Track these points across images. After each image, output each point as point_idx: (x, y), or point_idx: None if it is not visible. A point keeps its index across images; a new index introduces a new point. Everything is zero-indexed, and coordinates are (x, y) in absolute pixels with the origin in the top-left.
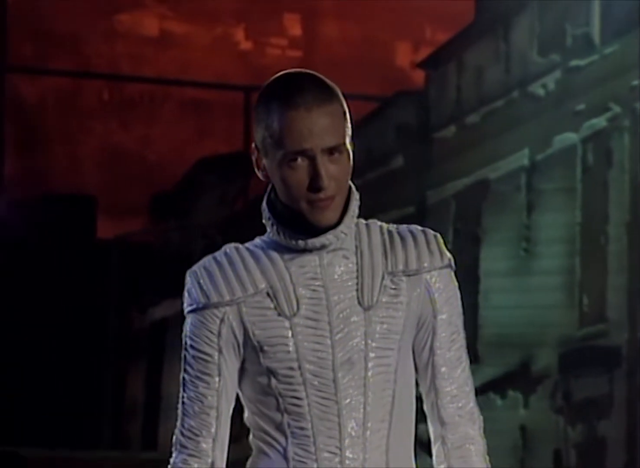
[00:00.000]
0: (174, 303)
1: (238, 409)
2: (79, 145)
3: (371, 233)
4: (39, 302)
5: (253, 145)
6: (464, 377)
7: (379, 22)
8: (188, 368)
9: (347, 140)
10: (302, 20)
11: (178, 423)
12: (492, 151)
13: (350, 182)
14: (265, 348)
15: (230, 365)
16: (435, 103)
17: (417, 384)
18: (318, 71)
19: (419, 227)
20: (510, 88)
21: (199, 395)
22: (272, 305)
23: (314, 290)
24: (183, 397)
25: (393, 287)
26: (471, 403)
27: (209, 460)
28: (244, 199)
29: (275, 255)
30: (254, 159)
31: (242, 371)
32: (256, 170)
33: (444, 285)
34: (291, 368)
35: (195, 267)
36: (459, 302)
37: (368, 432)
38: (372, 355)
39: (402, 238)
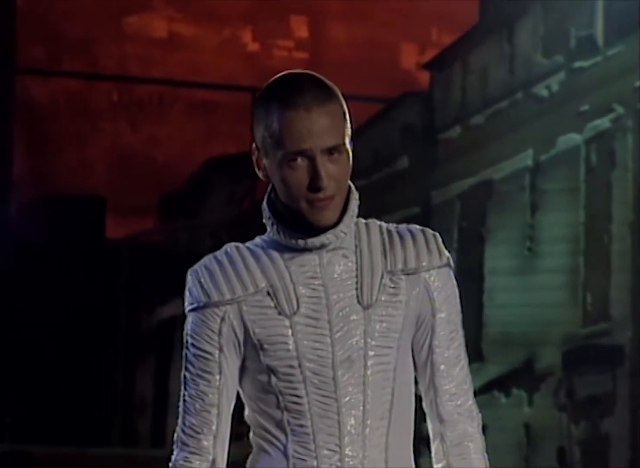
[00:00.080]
0: (183, 302)
1: (238, 407)
2: (88, 146)
3: (370, 232)
4: (48, 301)
5: (253, 145)
6: (462, 375)
7: (385, 24)
8: (189, 366)
9: (347, 140)
10: (309, 23)
11: (179, 421)
12: (496, 152)
13: (349, 182)
14: (266, 346)
15: (231, 363)
16: (440, 104)
17: (416, 382)
18: (324, 73)
19: (418, 227)
20: (514, 89)
21: (200, 393)
22: (272, 304)
23: (313, 289)
24: (184, 394)
25: (392, 285)
26: (470, 400)
27: (210, 458)
28: (252, 198)
29: (275, 254)
30: (254, 159)
31: (242, 369)
32: (256, 170)
33: (442, 284)
34: (291, 367)
35: (196, 266)
36: (458, 301)
37: (367, 430)
38: (371, 353)
39: (401, 238)
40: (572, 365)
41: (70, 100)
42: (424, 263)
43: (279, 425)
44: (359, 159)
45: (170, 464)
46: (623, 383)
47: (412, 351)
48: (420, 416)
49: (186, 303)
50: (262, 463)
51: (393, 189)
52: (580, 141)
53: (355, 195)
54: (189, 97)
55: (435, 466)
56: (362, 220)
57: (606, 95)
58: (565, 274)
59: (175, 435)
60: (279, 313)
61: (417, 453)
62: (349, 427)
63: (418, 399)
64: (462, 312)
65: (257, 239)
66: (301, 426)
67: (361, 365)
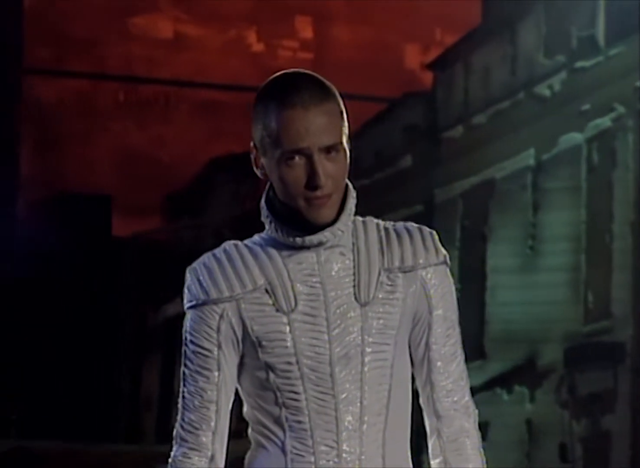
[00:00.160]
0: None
1: (239, 405)
2: (94, 145)
3: (368, 230)
4: (54, 299)
5: (252, 144)
6: (459, 372)
7: (389, 25)
8: (188, 363)
9: (344, 139)
10: (313, 23)
11: (178, 417)
12: (498, 151)
13: (347, 180)
14: (264, 343)
15: (230, 360)
16: (443, 104)
17: (413, 379)
18: (328, 73)
19: (415, 224)
20: (516, 89)
21: (199, 389)
22: (270, 301)
23: (311, 287)
24: (183, 391)
25: (389, 283)
26: (466, 397)
27: (209, 454)
28: (255, 197)
29: (273, 252)
30: (252, 157)
31: (241, 366)
32: (255, 168)
33: (439, 281)
34: (289, 363)
35: (194, 264)
36: (454, 298)
37: (365, 426)
38: (368, 350)
39: (398, 235)
40: (574, 362)
41: (77, 100)
42: (421, 261)
43: (277, 421)
44: (363, 158)
45: (169, 460)
46: (624, 380)
47: (409, 348)
48: (422, 413)
49: (185, 301)
50: (260, 459)
51: (396, 188)
52: (581, 140)
53: (352, 193)
54: (194, 97)
55: (432, 462)
56: (360, 218)
57: (607, 94)
58: (567, 272)
59: (175, 431)
60: (277, 311)
61: (419, 449)
62: (346, 423)
63: (416, 395)
64: (465, 309)
65: (256, 237)
66: (299, 422)
67: (358, 361)
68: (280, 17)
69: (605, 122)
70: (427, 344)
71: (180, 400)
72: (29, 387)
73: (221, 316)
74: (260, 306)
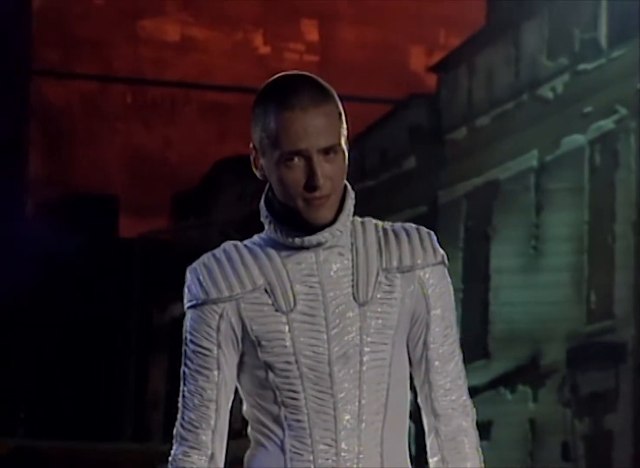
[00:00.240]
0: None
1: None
2: (102, 146)
3: (366, 231)
4: (62, 298)
5: (251, 145)
6: (457, 371)
7: (394, 28)
8: (188, 362)
9: (343, 141)
10: (319, 26)
11: (179, 416)
12: (502, 152)
13: (345, 181)
14: (263, 342)
15: (229, 359)
16: (447, 105)
17: (411, 378)
18: (334, 75)
19: (413, 225)
20: (519, 91)
21: (199, 388)
22: (269, 301)
23: (310, 287)
24: (183, 390)
25: (387, 283)
26: (464, 396)
27: (209, 452)
28: (261, 198)
29: (272, 252)
30: (252, 158)
31: (240, 365)
32: (254, 169)
33: (437, 281)
34: (288, 363)
35: (195, 264)
36: (452, 298)
37: (363, 425)
38: (367, 349)
39: (397, 236)
40: (576, 362)
41: (85, 102)
42: (419, 261)
43: (276, 420)
44: (368, 159)
45: (169, 458)
46: (626, 380)
47: (407, 347)
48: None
49: (185, 301)
50: (259, 457)
51: (401, 189)
52: (584, 142)
53: (351, 194)
54: (201, 99)
55: (430, 460)
56: (359, 219)
57: (609, 96)
58: (570, 272)
59: (175, 429)
60: (276, 310)
61: (423, 448)
62: (344, 422)
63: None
64: (469, 309)
65: (255, 237)
66: (298, 421)
67: (357, 361)
68: (286, 20)
69: (607, 124)
70: (425, 344)
71: (180, 399)
72: (37, 386)
73: (221, 316)
74: (259, 306)
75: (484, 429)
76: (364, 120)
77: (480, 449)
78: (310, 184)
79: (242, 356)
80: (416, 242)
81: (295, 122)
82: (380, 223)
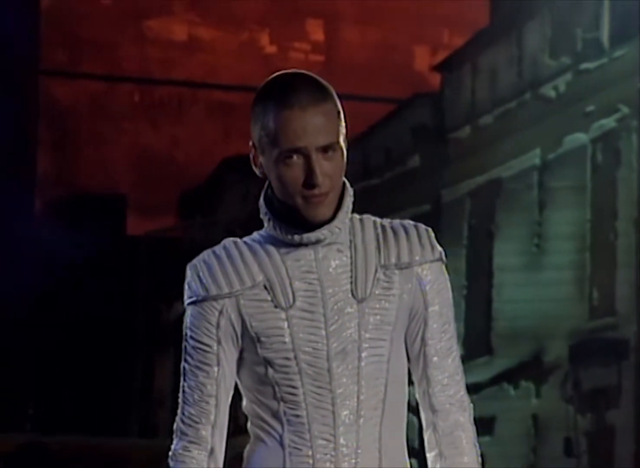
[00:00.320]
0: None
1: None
2: (110, 145)
3: (365, 228)
4: (70, 297)
5: (250, 143)
6: (454, 367)
7: (398, 27)
8: (188, 358)
9: (341, 139)
10: (324, 26)
11: (179, 411)
12: (505, 151)
13: (344, 179)
14: (263, 339)
15: (229, 355)
16: (451, 105)
17: (409, 373)
18: (339, 75)
19: (412, 222)
20: (522, 90)
21: (199, 384)
22: (269, 298)
23: (309, 283)
24: (183, 386)
25: (386, 279)
26: (461, 391)
27: (209, 447)
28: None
29: (272, 249)
30: (251, 156)
31: (240, 361)
32: (253, 167)
33: (434, 278)
34: (287, 358)
35: (195, 261)
36: (450, 294)
37: (361, 420)
38: (365, 345)
39: (395, 233)
40: (579, 358)
41: (93, 102)
42: (417, 258)
43: (276, 415)
44: (372, 158)
45: (170, 453)
46: (628, 376)
47: (406, 343)
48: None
49: (185, 297)
50: (259, 452)
51: (405, 187)
52: (586, 140)
53: (349, 191)
54: (208, 98)
55: (427, 455)
56: (357, 216)
57: (611, 95)
58: (572, 270)
59: (175, 424)
60: (276, 307)
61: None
62: (343, 417)
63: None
64: (472, 306)
65: (255, 234)
66: (297, 416)
67: (355, 357)
68: (292, 20)
69: (609, 122)
70: (423, 340)
71: (180, 394)
72: (45, 383)
73: (221, 312)
74: (259, 302)
75: (487, 424)
76: (369, 119)
77: (477, 444)
78: (309, 182)
79: (241, 352)
80: (414, 238)
81: (294, 121)
82: (378, 220)
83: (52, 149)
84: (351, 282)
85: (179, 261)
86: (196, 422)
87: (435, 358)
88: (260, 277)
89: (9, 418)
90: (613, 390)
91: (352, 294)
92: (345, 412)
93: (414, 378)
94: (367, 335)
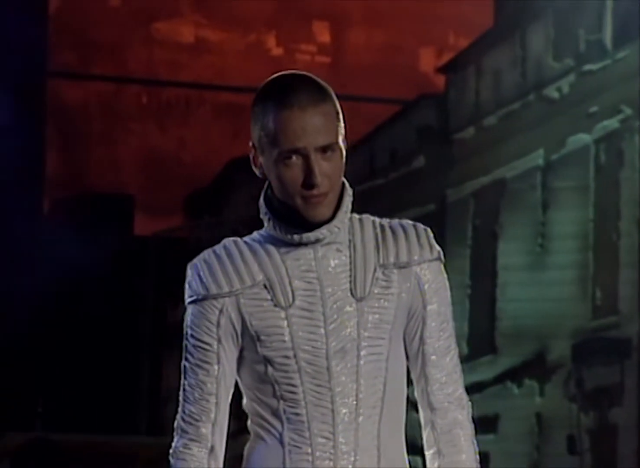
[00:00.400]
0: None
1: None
2: (118, 146)
3: (364, 227)
4: (78, 296)
5: (250, 143)
6: (452, 365)
7: (404, 29)
8: (189, 356)
9: (340, 139)
10: (331, 28)
11: (179, 409)
12: (508, 151)
13: (343, 179)
14: (262, 337)
15: (229, 353)
16: (455, 106)
17: (408, 372)
18: (345, 76)
19: (410, 222)
20: (526, 91)
21: (199, 382)
22: (268, 297)
23: (308, 282)
24: (184, 384)
25: (384, 279)
26: (460, 389)
27: (209, 445)
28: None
29: (272, 248)
30: (251, 156)
31: (240, 359)
32: (253, 167)
33: (433, 277)
34: (287, 357)
35: (195, 260)
36: (448, 293)
37: (360, 418)
38: (364, 344)
39: (394, 232)
40: (582, 357)
41: (101, 103)
42: (416, 257)
43: (275, 413)
44: (378, 158)
45: (170, 451)
46: (631, 374)
47: (404, 342)
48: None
49: (186, 296)
50: (258, 450)
51: (409, 187)
52: (589, 141)
53: (348, 191)
54: (215, 100)
55: (426, 453)
56: (356, 216)
57: (614, 97)
58: (575, 270)
59: (176, 422)
60: (275, 306)
61: None
62: (342, 416)
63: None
64: (476, 306)
65: (255, 234)
66: (296, 414)
67: (354, 355)
68: (298, 22)
69: (612, 123)
70: (421, 338)
71: (181, 392)
72: (54, 381)
73: (221, 311)
74: (258, 301)
75: (491, 423)
76: (374, 120)
77: (475, 442)
78: (308, 182)
79: (241, 351)
80: (413, 238)
81: (294, 121)
82: (377, 220)
83: (61, 149)
84: (350, 281)
85: (187, 261)
86: (196, 420)
87: (433, 357)
88: (260, 276)
89: (19, 416)
90: (616, 388)
91: (351, 293)
92: (344, 410)
93: (412, 376)
94: (366, 334)
